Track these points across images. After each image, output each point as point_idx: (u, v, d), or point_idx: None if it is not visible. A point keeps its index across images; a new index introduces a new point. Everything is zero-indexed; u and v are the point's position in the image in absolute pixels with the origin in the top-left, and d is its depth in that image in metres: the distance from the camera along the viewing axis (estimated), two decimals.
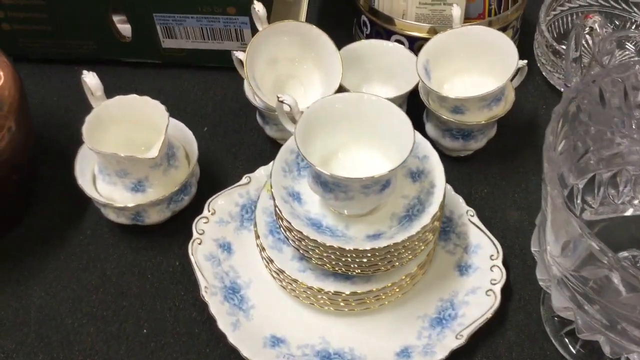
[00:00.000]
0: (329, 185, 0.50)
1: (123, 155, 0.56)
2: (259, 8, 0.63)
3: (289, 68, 0.69)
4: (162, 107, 0.60)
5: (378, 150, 0.55)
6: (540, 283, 0.50)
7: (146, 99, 0.61)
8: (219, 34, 0.74)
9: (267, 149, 0.71)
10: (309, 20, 0.84)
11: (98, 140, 0.59)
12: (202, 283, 0.57)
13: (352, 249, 0.50)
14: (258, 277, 0.59)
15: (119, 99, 0.61)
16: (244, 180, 0.64)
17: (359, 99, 0.53)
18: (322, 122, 0.53)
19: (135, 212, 0.61)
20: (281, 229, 0.55)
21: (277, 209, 0.53)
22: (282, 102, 0.53)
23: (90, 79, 0.59)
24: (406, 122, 0.50)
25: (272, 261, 0.56)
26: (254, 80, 0.64)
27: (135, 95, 0.61)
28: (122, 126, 0.62)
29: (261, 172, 0.65)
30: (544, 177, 0.43)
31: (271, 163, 0.65)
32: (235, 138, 0.72)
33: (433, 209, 0.52)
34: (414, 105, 0.69)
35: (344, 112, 0.53)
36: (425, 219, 0.51)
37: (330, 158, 0.55)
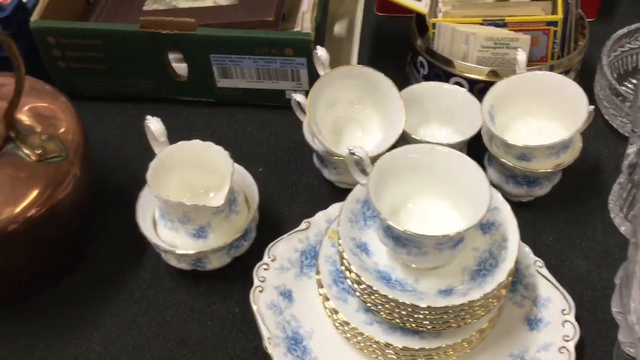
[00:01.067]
0: (401, 240, 0.49)
1: (189, 204, 0.55)
2: (321, 53, 0.63)
3: (348, 110, 0.68)
4: (226, 154, 0.59)
5: (448, 201, 0.54)
6: (624, 347, 0.48)
7: (209, 144, 0.60)
8: (274, 74, 0.74)
9: (324, 192, 0.70)
10: (360, 59, 0.84)
11: (159, 185, 0.59)
12: (265, 334, 0.56)
13: (425, 306, 0.49)
14: (320, 326, 0.58)
15: (181, 144, 0.60)
16: (303, 225, 0.63)
17: (431, 149, 0.52)
18: (392, 172, 0.52)
19: (196, 259, 0.60)
20: (348, 280, 0.53)
21: (345, 261, 0.52)
22: (353, 153, 0.52)
23: (155, 125, 0.59)
24: (481, 176, 0.49)
25: (336, 312, 0.55)
26: (316, 125, 0.63)
27: (198, 141, 0.61)
28: (183, 170, 0.62)
29: (320, 216, 0.64)
30: (634, 241, 0.42)
31: (330, 208, 0.65)
32: (291, 179, 0.72)
33: (508, 265, 0.50)
34: (474, 147, 0.68)
35: (415, 162, 0.52)
36: (500, 275, 0.50)
37: (399, 208, 0.54)
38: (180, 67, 0.77)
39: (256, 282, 0.59)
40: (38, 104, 0.58)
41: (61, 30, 0.72)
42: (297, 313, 0.59)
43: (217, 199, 0.56)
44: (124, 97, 0.80)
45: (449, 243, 0.49)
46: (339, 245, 0.53)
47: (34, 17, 0.73)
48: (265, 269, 0.60)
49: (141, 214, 0.61)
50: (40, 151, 0.54)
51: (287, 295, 0.60)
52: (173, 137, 0.62)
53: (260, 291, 0.59)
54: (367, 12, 0.90)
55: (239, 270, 0.63)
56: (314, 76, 0.74)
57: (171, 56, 0.76)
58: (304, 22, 0.84)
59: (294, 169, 0.73)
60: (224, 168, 0.60)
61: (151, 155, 0.71)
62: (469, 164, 0.50)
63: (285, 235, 0.63)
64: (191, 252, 0.59)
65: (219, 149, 0.60)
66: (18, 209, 0.52)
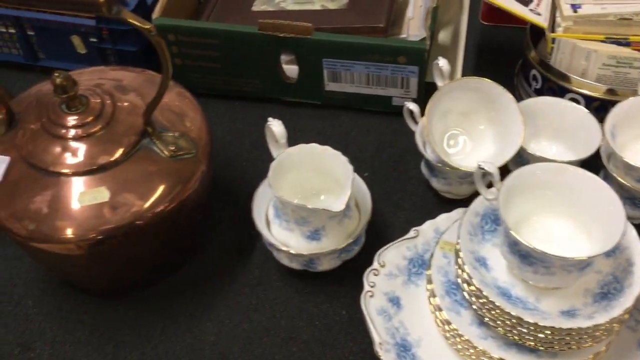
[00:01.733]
0: (529, 258, 0.49)
1: (311, 207, 0.57)
2: (443, 64, 0.63)
3: (459, 121, 0.68)
4: (345, 159, 0.60)
5: (572, 220, 0.53)
6: None
7: (327, 148, 0.62)
8: (384, 81, 0.75)
9: (429, 201, 0.70)
10: (465, 68, 0.83)
11: (276, 186, 0.61)
12: (376, 338, 0.57)
13: (549, 326, 0.49)
14: (428, 335, 0.59)
15: (301, 147, 0.62)
16: (412, 233, 0.64)
17: (563, 169, 0.52)
18: (519, 189, 0.52)
19: (309, 259, 0.62)
20: (465, 293, 0.54)
21: (465, 274, 0.53)
22: (482, 168, 0.53)
23: (277, 127, 0.61)
24: (616, 201, 0.49)
25: (449, 323, 0.56)
26: (432, 134, 0.64)
27: (316, 144, 0.62)
28: (297, 172, 0.63)
29: (428, 225, 0.65)
30: None
31: (439, 218, 0.65)
32: (396, 186, 0.72)
33: (635, 290, 0.50)
34: (585, 165, 0.67)
35: (544, 181, 0.52)
36: (628, 300, 0.49)
37: (522, 224, 0.54)
38: (289, 69, 0.79)
39: (366, 287, 0.60)
40: (168, 101, 0.60)
41: (182, 28, 0.74)
42: (406, 320, 0.60)
43: (338, 204, 0.57)
44: (232, 95, 0.82)
45: (579, 265, 0.48)
46: (458, 258, 0.54)
47: (156, 14, 0.76)
48: (375, 275, 0.61)
49: (256, 212, 0.63)
50: (173, 148, 0.56)
51: (396, 302, 0.61)
52: None
53: (371, 296, 0.60)
54: (472, 20, 0.89)
55: (347, 273, 0.64)
56: (423, 84, 0.75)
57: (283, 58, 0.78)
58: (410, 29, 0.84)
59: (398, 176, 0.73)
60: (339, 172, 0.62)
61: (260, 152, 0.74)
62: (604, 188, 0.50)
63: (395, 242, 0.63)
64: (305, 253, 0.60)
65: (338, 154, 0.61)
66: (149, 203, 0.55)
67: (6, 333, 0.62)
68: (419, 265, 0.63)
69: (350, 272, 0.64)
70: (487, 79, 0.63)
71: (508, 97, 0.63)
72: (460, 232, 0.54)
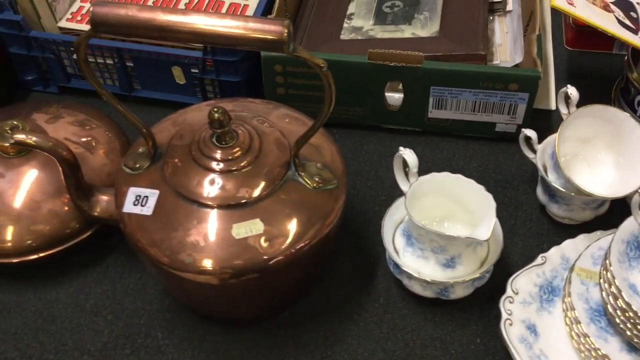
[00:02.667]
0: None
1: (455, 236, 0.57)
2: (572, 92, 0.64)
3: (576, 147, 0.69)
4: (480, 187, 0.61)
5: None
6: None
7: (459, 176, 0.62)
8: (490, 107, 0.76)
9: (546, 226, 0.71)
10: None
11: (413, 215, 0.61)
12: None
13: None
14: None
15: (433, 175, 0.63)
16: (540, 260, 0.64)
17: None
18: None
19: (443, 288, 0.62)
20: (617, 320, 0.54)
21: (620, 302, 0.53)
22: None
23: (409, 156, 0.61)
24: None
25: (597, 350, 0.56)
26: (562, 157, 0.64)
27: (447, 173, 0.63)
28: (426, 199, 0.64)
29: (554, 252, 0.65)
30: None
31: (564, 244, 0.66)
32: (507, 212, 0.73)
33: None
34: None
35: None
36: None
37: None
38: (390, 97, 0.80)
39: (504, 314, 0.61)
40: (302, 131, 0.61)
41: (290, 59, 0.75)
42: (545, 348, 0.60)
43: (483, 232, 0.57)
44: (331, 123, 0.82)
45: None
46: (611, 285, 0.54)
47: None
48: (510, 302, 0.62)
49: (387, 240, 0.63)
50: (317, 179, 0.57)
51: (533, 329, 0.61)
52: (382, 163, 0.64)
53: (510, 324, 0.60)
54: (556, 46, 0.91)
55: (474, 300, 0.64)
56: (530, 111, 0.75)
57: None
58: (500, 55, 0.86)
59: (509, 202, 0.74)
60: (470, 200, 0.62)
61: (364, 179, 0.74)
62: None
63: (524, 269, 0.64)
64: (442, 280, 0.61)
65: (471, 182, 0.62)
66: (300, 234, 0.55)
67: None
68: (549, 292, 0.63)
69: (478, 298, 0.64)
70: (612, 106, 0.64)
71: (633, 123, 0.64)
72: (611, 260, 0.55)
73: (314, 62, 0.48)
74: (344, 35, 0.88)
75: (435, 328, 0.63)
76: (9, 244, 0.65)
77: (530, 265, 0.64)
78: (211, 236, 0.54)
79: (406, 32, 0.86)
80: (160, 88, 0.85)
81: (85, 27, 0.82)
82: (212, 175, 0.55)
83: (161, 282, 0.63)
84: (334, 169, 0.60)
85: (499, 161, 0.77)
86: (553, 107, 0.83)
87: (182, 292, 0.60)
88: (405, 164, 0.62)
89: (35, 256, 0.65)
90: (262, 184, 0.55)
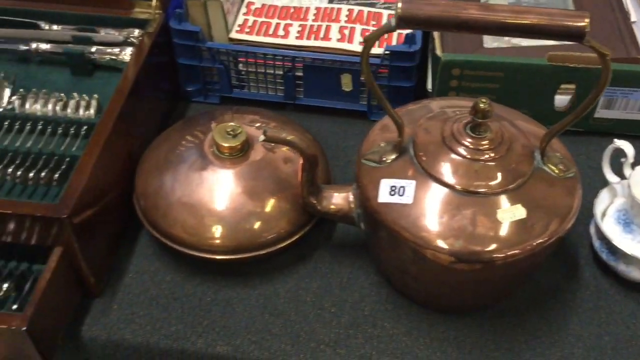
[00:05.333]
0: None
1: None
2: None
3: None
4: None
5: None
6: None
7: None
8: None
9: None
10: None
11: None
12: None
13: None
14: None
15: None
16: None
17: None
18: None
19: None
20: None
21: None
22: None
23: (627, 147, 0.65)
24: None
25: None
26: None
27: None
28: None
29: None
30: None
31: None
32: None
33: None
34: None
35: None
36: None
37: None
38: (558, 99, 0.83)
39: None
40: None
41: (470, 62, 0.79)
42: None
43: None
44: None
45: None
46: None
47: (438, 50, 0.81)
48: None
49: (605, 229, 0.67)
50: (562, 166, 0.60)
51: None
52: None
53: None
54: None
55: None
56: None
57: None
58: None
59: None
60: None
61: None
62: None
63: None
64: None
65: None
66: (561, 220, 0.58)
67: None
68: None
69: None
70: None
71: None
72: None
73: (601, 51, 0.51)
74: (488, 44, 0.92)
75: None
76: (226, 241, 0.67)
77: None
78: (478, 222, 0.56)
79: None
80: (323, 95, 0.88)
81: (254, 37, 0.86)
82: (472, 164, 0.58)
83: (402, 270, 0.65)
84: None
85: None
86: None
87: (428, 279, 0.62)
88: (621, 155, 0.66)
89: (264, 252, 0.67)
90: (519, 172, 0.59)
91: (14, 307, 0.60)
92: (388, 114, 0.59)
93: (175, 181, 0.68)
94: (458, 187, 0.58)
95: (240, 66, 0.87)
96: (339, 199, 0.65)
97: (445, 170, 0.58)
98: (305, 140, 0.62)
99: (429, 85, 0.87)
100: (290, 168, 0.70)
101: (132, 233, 0.73)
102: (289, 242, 0.68)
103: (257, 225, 0.67)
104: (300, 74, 0.86)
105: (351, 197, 0.66)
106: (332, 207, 0.65)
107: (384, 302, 0.68)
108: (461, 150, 0.59)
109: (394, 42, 0.85)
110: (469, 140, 0.59)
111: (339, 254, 0.72)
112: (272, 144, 0.68)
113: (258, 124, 0.75)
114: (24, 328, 0.55)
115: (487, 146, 0.58)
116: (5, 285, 0.61)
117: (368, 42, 0.53)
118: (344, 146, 0.84)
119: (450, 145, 0.59)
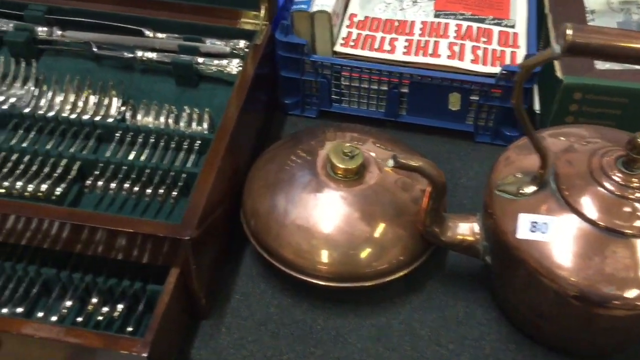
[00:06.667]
0: None
1: None
2: None
3: None
4: None
5: None
6: None
7: None
8: None
9: None
10: None
11: None
12: None
13: None
14: None
15: None
16: None
17: None
18: None
19: None
20: None
21: None
22: None
23: None
24: None
25: None
26: None
27: None
28: None
29: None
30: None
31: None
32: None
33: None
34: None
35: None
36: None
37: None
38: None
39: None
40: None
41: (594, 87, 0.75)
42: None
43: None
44: None
45: None
46: None
47: (558, 71, 0.77)
48: None
49: None
50: None
51: None
52: None
53: None
54: None
55: None
56: None
57: None
58: None
59: None
60: None
61: None
62: None
63: None
64: None
65: None
66: None
67: None
68: None
69: None
70: None
71: None
72: None
73: None
74: (599, 66, 0.87)
75: None
76: (340, 267, 0.64)
77: None
78: (631, 266, 0.52)
79: None
80: (428, 114, 0.85)
81: (359, 51, 0.82)
82: (627, 203, 0.54)
83: (534, 310, 0.61)
84: None
85: None
86: None
87: (566, 323, 0.58)
88: None
89: (379, 281, 0.64)
90: None
91: (129, 329, 0.58)
92: (532, 144, 0.55)
93: (289, 202, 0.66)
94: (609, 226, 0.53)
95: (343, 80, 0.84)
96: (464, 229, 0.62)
97: (594, 207, 0.54)
98: (434, 167, 0.58)
99: (537, 107, 0.83)
100: (407, 193, 0.67)
101: (235, 253, 0.71)
102: (406, 271, 0.65)
103: (372, 252, 0.64)
104: (405, 90, 0.83)
105: (476, 228, 0.62)
106: (457, 237, 0.62)
107: (504, 340, 0.64)
108: (614, 187, 0.54)
109: (507, 62, 0.81)
110: (622, 176, 0.54)
111: (453, 285, 0.68)
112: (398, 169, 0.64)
113: (373, 144, 0.72)
114: (145, 355, 0.53)
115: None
116: (120, 307, 0.59)
117: (526, 68, 0.49)
118: (450, 168, 0.81)
119: (600, 181, 0.55)
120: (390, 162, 0.58)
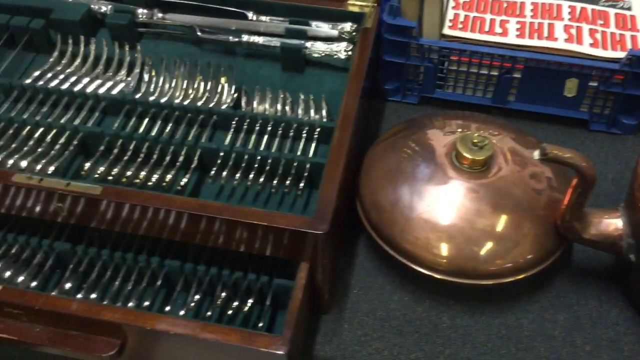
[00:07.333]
0: None
1: None
2: None
3: None
4: None
5: None
6: None
7: None
8: None
9: None
10: None
11: None
12: None
13: None
14: None
15: None
16: None
17: None
18: None
19: None
20: None
21: None
22: None
23: None
24: None
25: None
26: None
27: None
28: None
29: None
30: None
31: None
32: None
33: None
34: None
35: None
36: None
37: None
38: None
39: None
40: None
41: None
42: None
43: None
44: None
45: None
46: None
47: None
48: None
49: None
50: None
51: None
52: None
53: None
54: None
55: None
56: None
57: None
58: None
59: None
60: None
61: None
62: None
63: None
64: None
65: None
66: None
67: None
68: None
69: None
70: None
71: None
72: None
73: None
74: None
75: None
76: (469, 262, 0.60)
77: None
78: None
79: None
80: (540, 100, 0.80)
81: (469, 34, 0.78)
82: None
83: None
84: None
85: None
86: None
87: None
88: None
89: (511, 278, 0.61)
90: None
91: (260, 324, 0.56)
92: None
93: (414, 194, 0.63)
94: None
95: (449, 65, 0.80)
96: (608, 225, 0.58)
97: None
98: (584, 159, 0.55)
99: None
100: (537, 186, 0.64)
101: (350, 245, 0.69)
102: (539, 268, 0.61)
103: (501, 248, 0.61)
104: (517, 75, 0.79)
105: (620, 224, 0.58)
106: (601, 234, 0.58)
107: None
108: None
109: (628, 46, 0.76)
110: None
111: (582, 283, 0.65)
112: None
113: (496, 134, 0.68)
114: (283, 352, 0.51)
115: None
116: (250, 301, 0.57)
117: None
118: None
119: None
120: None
